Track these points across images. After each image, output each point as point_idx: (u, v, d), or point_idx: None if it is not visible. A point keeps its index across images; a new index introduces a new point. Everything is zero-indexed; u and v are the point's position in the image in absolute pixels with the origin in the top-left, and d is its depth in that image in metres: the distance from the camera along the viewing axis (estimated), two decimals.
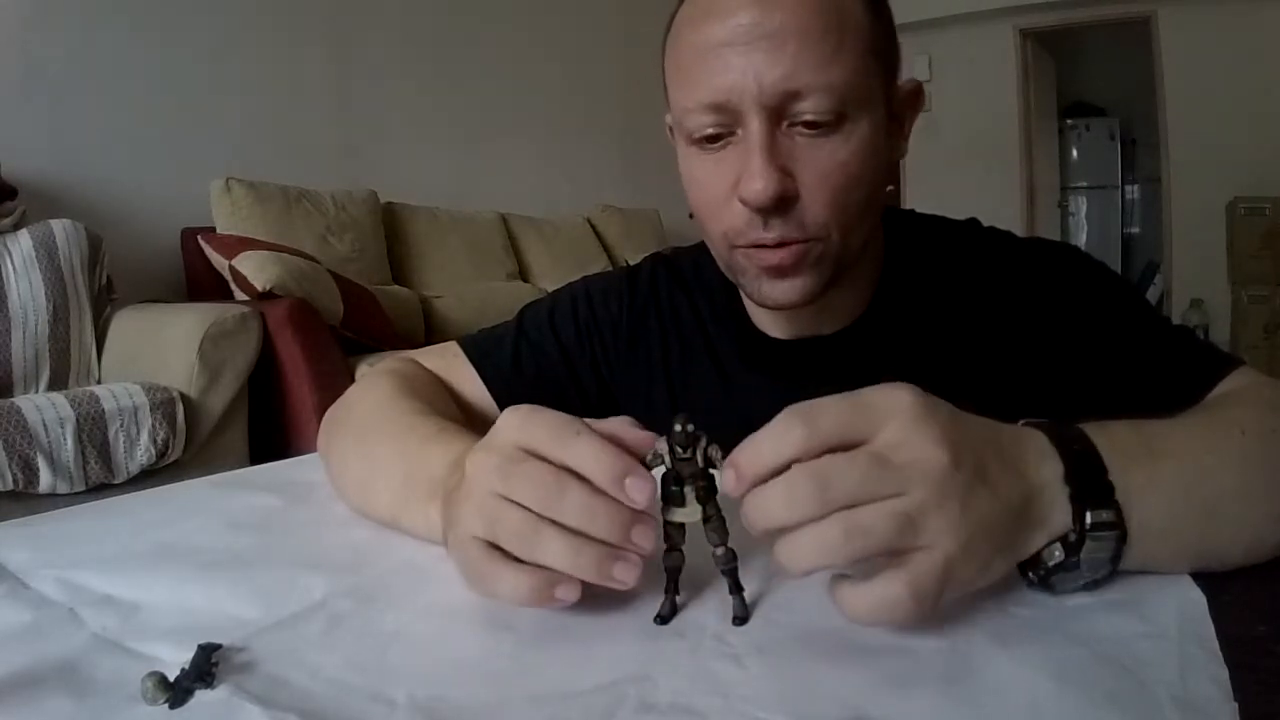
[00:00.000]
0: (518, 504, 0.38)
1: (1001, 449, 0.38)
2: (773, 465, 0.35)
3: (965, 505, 0.35)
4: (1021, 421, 0.41)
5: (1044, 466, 0.38)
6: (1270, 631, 0.35)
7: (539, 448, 0.38)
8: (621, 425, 0.39)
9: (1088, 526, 0.37)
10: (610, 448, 0.37)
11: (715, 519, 0.38)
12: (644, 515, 0.37)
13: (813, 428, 0.35)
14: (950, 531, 0.34)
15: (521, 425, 0.40)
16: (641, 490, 0.36)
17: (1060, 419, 0.41)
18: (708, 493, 0.38)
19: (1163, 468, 0.40)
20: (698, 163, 0.59)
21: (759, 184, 0.53)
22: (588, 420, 0.39)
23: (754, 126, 0.54)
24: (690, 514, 0.38)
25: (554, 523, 0.37)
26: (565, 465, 0.38)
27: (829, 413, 0.36)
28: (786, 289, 0.59)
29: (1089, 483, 0.38)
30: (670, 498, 0.38)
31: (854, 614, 0.35)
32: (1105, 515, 0.37)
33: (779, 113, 0.54)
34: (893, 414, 0.36)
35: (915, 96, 0.62)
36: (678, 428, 0.37)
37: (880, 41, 0.57)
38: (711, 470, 0.38)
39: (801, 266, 0.58)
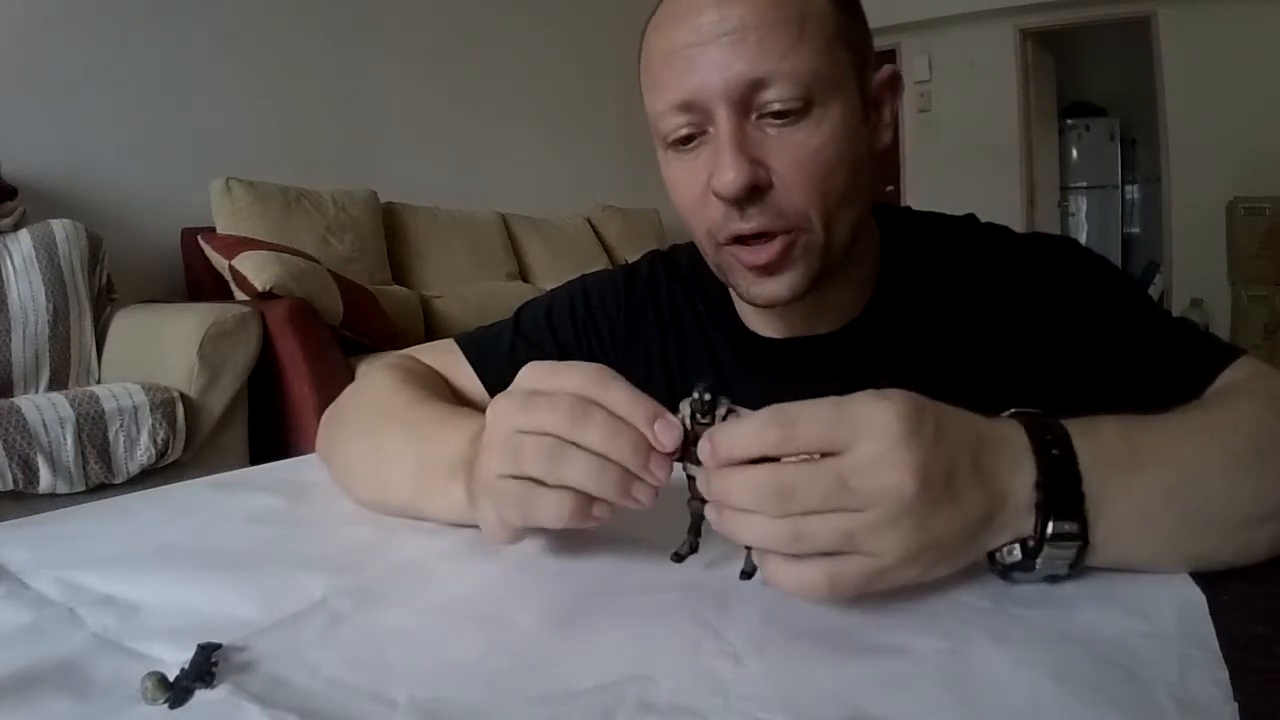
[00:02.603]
0: (542, 431, 0.39)
1: (977, 457, 0.38)
2: (745, 456, 0.36)
3: (922, 525, 0.36)
4: (1009, 411, 0.41)
5: (1016, 476, 0.38)
6: (1270, 631, 0.35)
7: (575, 391, 0.40)
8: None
9: (1047, 536, 0.38)
10: (642, 395, 0.39)
11: None
12: (663, 452, 0.38)
13: (789, 434, 0.36)
14: (896, 547, 0.36)
15: (550, 371, 0.41)
16: (669, 434, 0.38)
17: (1049, 413, 0.41)
18: None
19: (1143, 475, 0.40)
20: (675, 165, 0.60)
21: (729, 175, 0.54)
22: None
23: (722, 121, 0.55)
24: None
25: (574, 445, 0.38)
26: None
27: (809, 422, 0.36)
28: (775, 286, 0.59)
29: (1058, 492, 0.38)
30: (689, 455, 0.39)
31: (772, 580, 0.37)
32: (1068, 527, 0.38)
33: (746, 105, 0.55)
34: (871, 432, 0.36)
35: (892, 83, 0.62)
36: (696, 395, 0.38)
37: (846, 29, 0.57)
38: None
39: (787, 261, 0.58)
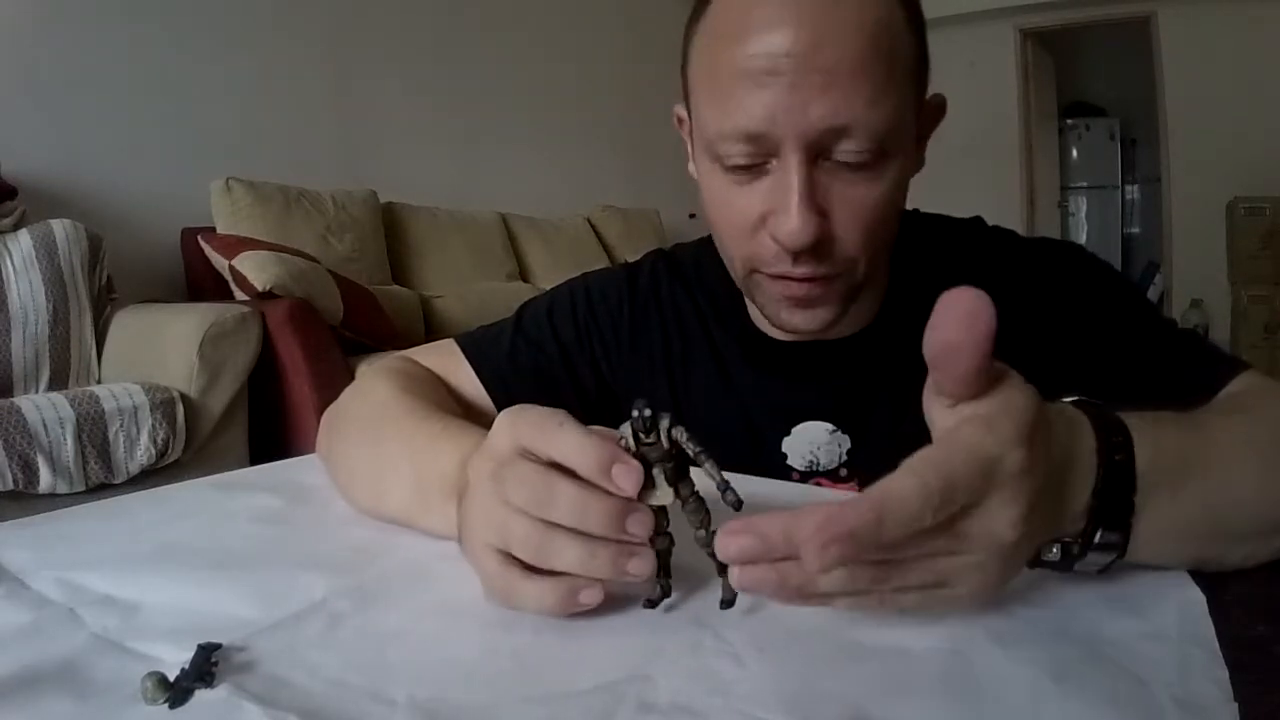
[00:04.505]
0: (519, 509, 0.38)
1: (1061, 487, 0.36)
2: (907, 536, 0.30)
3: (1004, 569, 0.34)
4: (1073, 399, 0.40)
5: (1084, 494, 0.37)
6: (1270, 631, 0.35)
7: (527, 444, 0.38)
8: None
9: (1094, 544, 0.37)
10: (594, 438, 0.37)
11: (692, 500, 0.38)
12: (637, 503, 0.37)
13: (948, 501, 0.31)
14: (978, 587, 0.34)
15: (510, 426, 0.40)
16: (628, 476, 0.36)
17: (1113, 407, 0.40)
18: (678, 474, 0.38)
19: (1188, 485, 0.39)
20: (724, 187, 0.57)
21: (794, 225, 0.52)
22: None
23: (792, 162, 0.52)
24: (663, 496, 0.38)
25: (561, 527, 0.37)
26: (553, 460, 0.38)
27: (965, 488, 0.31)
28: (808, 318, 0.58)
29: (1112, 504, 0.37)
30: (645, 485, 0.37)
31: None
32: (1113, 537, 0.38)
33: (819, 149, 0.52)
34: (1000, 485, 0.32)
35: (938, 112, 0.61)
36: (635, 414, 0.36)
37: (920, 63, 0.56)
38: (690, 454, 0.37)
39: (827, 298, 0.57)
